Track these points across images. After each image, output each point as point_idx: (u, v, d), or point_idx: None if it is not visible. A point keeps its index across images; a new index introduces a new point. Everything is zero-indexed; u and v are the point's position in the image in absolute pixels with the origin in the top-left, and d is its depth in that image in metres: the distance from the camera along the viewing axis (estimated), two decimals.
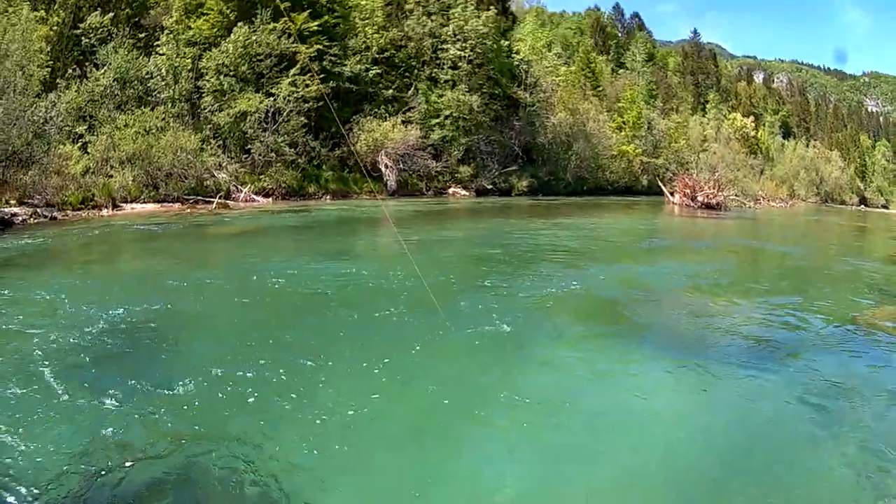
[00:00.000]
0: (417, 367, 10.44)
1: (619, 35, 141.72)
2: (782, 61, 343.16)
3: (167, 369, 9.69)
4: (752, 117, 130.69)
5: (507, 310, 14.12)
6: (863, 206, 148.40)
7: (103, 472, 6.62)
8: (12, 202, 32.68)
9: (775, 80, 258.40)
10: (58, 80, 41.56)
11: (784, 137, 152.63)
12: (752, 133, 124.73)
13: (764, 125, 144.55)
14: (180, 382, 9.02)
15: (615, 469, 7.45)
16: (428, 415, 8.64)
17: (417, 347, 11.22)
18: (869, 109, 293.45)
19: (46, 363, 9.66)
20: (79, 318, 12.20)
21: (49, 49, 42.48)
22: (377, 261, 21.82)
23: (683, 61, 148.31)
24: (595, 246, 29.39)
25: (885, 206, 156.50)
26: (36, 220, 31.47)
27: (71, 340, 10.81)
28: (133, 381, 9.03)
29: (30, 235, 25.85)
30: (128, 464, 6.80)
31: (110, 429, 7.54)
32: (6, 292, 14.41)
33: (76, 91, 41.97)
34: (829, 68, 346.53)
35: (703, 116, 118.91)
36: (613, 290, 17.64)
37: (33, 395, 8.52)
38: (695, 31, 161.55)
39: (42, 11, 45.07)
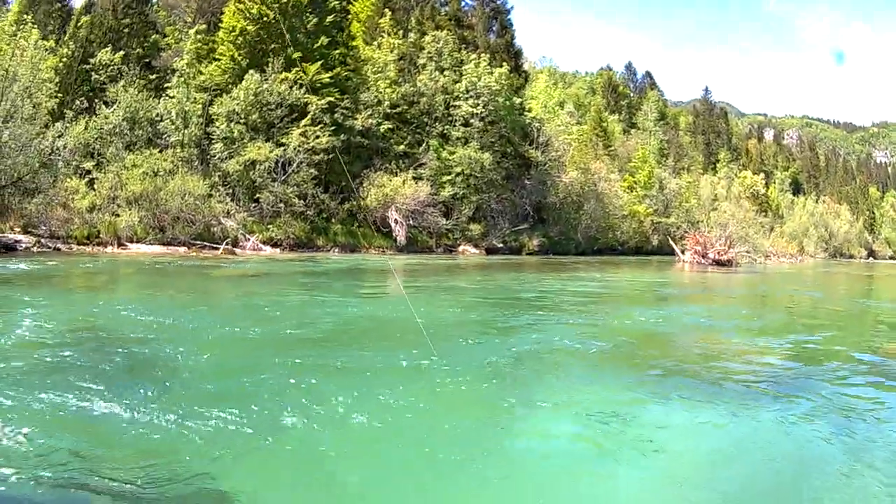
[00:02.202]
0: (407, 404, 9.24)
1: (631, 94, 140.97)
2: (792, 117, 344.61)
3: (156, 387, 8.92)
4: (762, 175, 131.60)
5: (513, 350, 13.28)
6: (871, 258, 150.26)
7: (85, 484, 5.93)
8: (17, 229, 32.92)
9: (785, 136, 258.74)
10: (65, 111, 41.77)
11: (794, 193, 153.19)
12: (763, 191, 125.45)
13: (774, 182, 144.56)
14: (165, 402, 8.20)
15: None
16: (414, 456, 7.54)
17: (410, 385, 10.08)
18: (878, 160, 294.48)
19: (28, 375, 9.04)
20: (77, 333, 12.03)
21: (58, 81, 42.82)
22: (378, 304, 21.33)
23: (695, 120, 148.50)
24: (609, 295, 28.61)
25: (893, 258, 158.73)
26: (39, 249, 31.63)
27: (68, 354, 10.31)
28: (116, 401, 8.16)
29: (33, 261, 25.87)
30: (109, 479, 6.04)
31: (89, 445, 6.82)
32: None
33: (84, 126, 42.26)
34: (838, 122, 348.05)
35: (714, 175, 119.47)
36: (629, 332, 16.72)
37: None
38: (706, 90, 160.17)
39: (52, 42, 45.23)
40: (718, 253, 58.89)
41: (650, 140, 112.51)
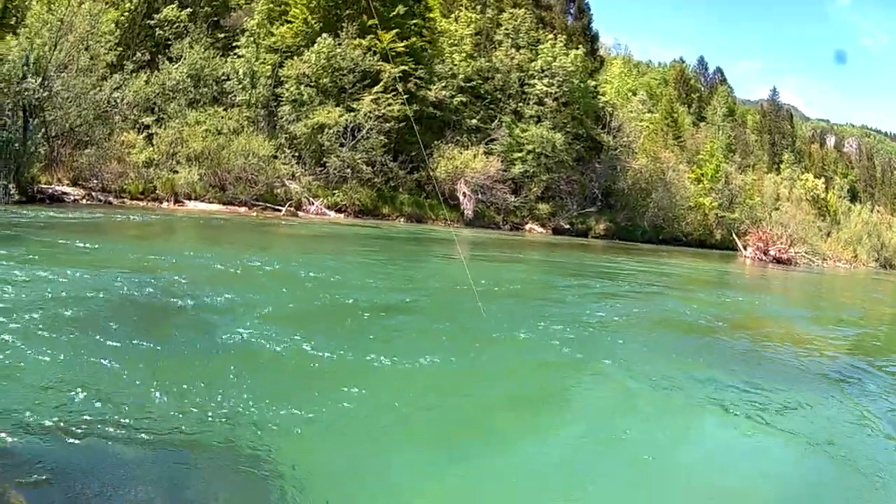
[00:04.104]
0: (458, 369, 9.29)
1: (702, 89, 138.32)
2: (853, 126, 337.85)
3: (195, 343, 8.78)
4: (822, 179, 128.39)
5: (568, 325, 12.88)
6: None
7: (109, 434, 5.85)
8: (65, 181, 31.27)
9: (845, 144, 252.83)
10: (125, 63, 40.10)
11: (851, 201, 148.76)
12: (823, 195, 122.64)
13: (833, 188, 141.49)
14: (212, 359, 8.19)
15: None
16: (459, 420, 7.75)
17: (462, 352, 10.01)
18: None
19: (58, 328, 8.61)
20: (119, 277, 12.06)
21: (119, 34, 41.63)
22: (437, 271, 21.53)
23: (762, 120, 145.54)
24: (681, 280, 29.07)
25: None
26: (89, 202, 30.55)
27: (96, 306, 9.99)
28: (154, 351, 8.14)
29: (80, 211, 25.94)
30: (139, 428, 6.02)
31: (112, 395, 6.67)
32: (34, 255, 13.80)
33: (146, 81, 40.66)
34: (894, 135, 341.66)
35: (778, 175, 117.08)
36: (700, 313, 17.07)
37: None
38: (773, 90, 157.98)
39: None
40: (779, 251, 58.73)
41: (718, 135, 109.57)
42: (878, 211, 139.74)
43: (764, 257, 57.79)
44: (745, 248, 64.92)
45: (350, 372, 8.30)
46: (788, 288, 34.26)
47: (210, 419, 6.35)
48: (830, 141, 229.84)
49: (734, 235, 73.40)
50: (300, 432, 6.42)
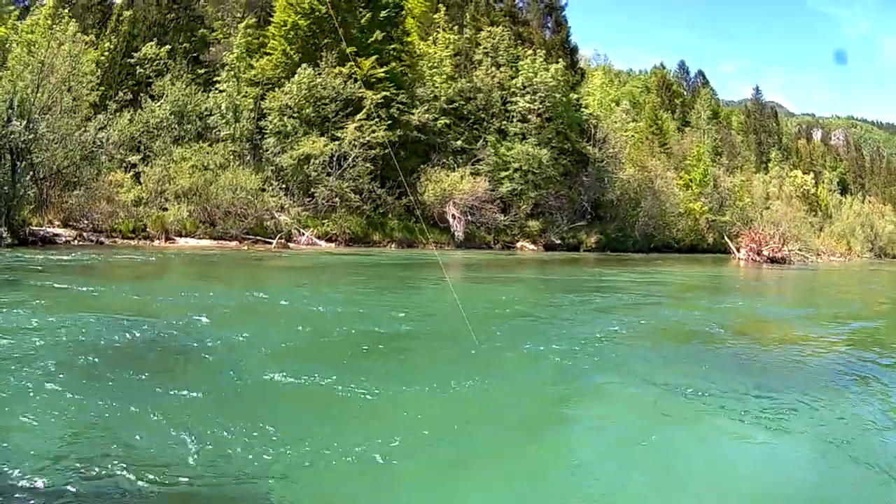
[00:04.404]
0: (453, 393, 8.82)
1: (685, 93, 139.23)
2: (838, 117, 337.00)
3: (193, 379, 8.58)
4: (811, 175, 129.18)
5: (568, 343, 12.32)
6: None
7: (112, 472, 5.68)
8: (56, 223, 31.48)
9: (832, 137, 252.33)
10: (108, 103, 39.88)
11: (841, 193, 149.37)
12: (812, 190, 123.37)
13: (823, 182, 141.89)
14: (213, 391, 8.07)
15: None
16: (469, 444, 7.16)
17: (452, 374, 9.55)
18: None
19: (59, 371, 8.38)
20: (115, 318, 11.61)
21: (100, 74, 41.87)
22: (432, 297, 20.45)
23: (746, 120, 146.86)
24: (679, 287, 28.71)
25: None
26: (81, 242, 30.64)
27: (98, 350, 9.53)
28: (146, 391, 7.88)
29: (73, 252, 25.52)
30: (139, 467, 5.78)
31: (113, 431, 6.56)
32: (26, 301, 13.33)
33: (129, 120, 41.11)
34: (881, 122, 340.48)
35: (766, 174, 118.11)
36: (693, 325, 16.01)
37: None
38: (757, 89, 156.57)
39: (92, 36, 44.15)
40: (773, 250, 58.54)
41: (704, 139, 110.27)
42: (869, 201, 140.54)
43: (758, 258, 57.85)
44: (737, 249, 64.69)
45: (354, 405, 8.06)
46: (785, 287, 33.86)
47: (221, 456, 6.12)
48: (817, 135, 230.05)
49: (726, 238, 73.48)
50: (311, 468, 6.08)
